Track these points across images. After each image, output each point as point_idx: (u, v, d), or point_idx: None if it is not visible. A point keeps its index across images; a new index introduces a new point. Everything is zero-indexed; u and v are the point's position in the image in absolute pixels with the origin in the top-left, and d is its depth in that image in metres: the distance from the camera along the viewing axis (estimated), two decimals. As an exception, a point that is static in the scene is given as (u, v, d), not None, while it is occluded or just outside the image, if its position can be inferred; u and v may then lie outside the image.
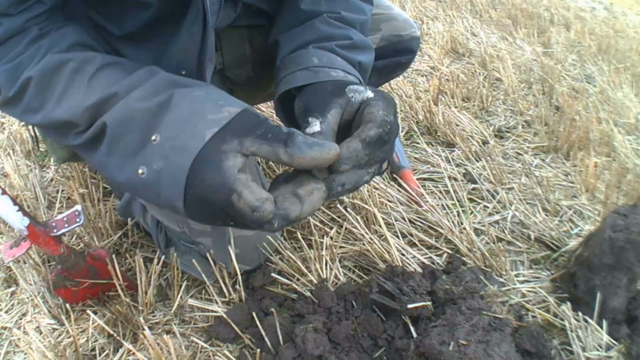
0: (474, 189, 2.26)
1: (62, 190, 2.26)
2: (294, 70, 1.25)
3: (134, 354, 1.51)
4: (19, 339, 1.59)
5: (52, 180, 2.37)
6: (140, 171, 0.95)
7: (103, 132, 1.03)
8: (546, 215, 2.08)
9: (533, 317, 1.62)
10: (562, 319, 1.57)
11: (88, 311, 1.61)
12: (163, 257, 1.68)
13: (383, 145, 1.01)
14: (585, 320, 1.53)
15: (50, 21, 1.14)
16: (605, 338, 1.49)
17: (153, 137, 0.95)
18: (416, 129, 2.73)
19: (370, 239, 1.81)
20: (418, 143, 2.60)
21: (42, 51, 1.09)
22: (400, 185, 2.22)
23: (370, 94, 1.08)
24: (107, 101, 1.03)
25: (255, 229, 0.90)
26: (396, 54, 1.90)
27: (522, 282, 1.75)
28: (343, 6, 1.46)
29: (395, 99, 3.03)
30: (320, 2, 1.44)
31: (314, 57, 1.27)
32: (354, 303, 1.58)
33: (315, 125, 1.03)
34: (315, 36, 1.36)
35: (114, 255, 1.59)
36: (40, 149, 2.55)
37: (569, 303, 1.59)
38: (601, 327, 1.51)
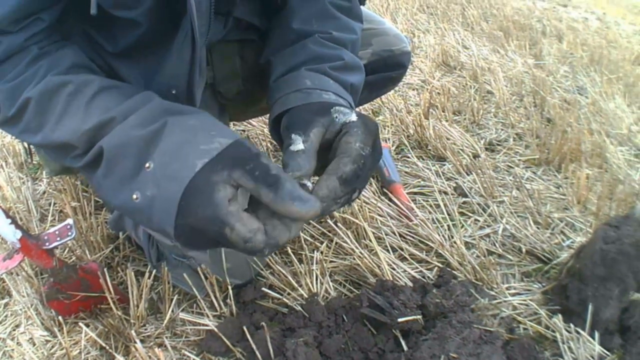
0: (464, 202, 2.27)
1: (55, 203, 2.25)
2: (288, 92, 1.27)
3: (125, 367, 1.51)
4: (12, 350, 1.59)
5: (44, 193, 2.36)
6: (134, 196, 0.97)
7: (100, 156, 1.04)
8: (537, 228, 2.09)
9: (524, 329, 1.62)
10: (553, 331, 1.58)
11: (80, 324, 1.60)
12: (154, 270, 1.68)
13: (357, 179, 1.05)
14: (577, 332, 1.53)
15: (49, 40, 1.17)
16: (598, 349, 1.49)
17: (147, 165, 0.97)
18: (407, 143, 2.74)
19: (361, 253, 1.81)
20: (409, 157, 2.60)
21: (42, 72, 1.11)
22: (390, 199, 2.23)
23: (353, 117, 1.12)
24: (104, 126, 1.05)
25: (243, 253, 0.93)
26: (387, 69, 1.91)
27: (514, 294, 1.75)
28: (334, 26, 1.47)
29: (385, 112, 3.05)
30: (312, 21, 1.45)
31: (307, 79, 1.29)
32: (345, 317, 1.58)
33: (299, 144, 1.06)
34: (307, 57, 1.37)
35: (105, 269, 1.59)
36: (33, 162, 2.55)
37: (560, 315, 1.59)
38: (593, 338, 1.51)
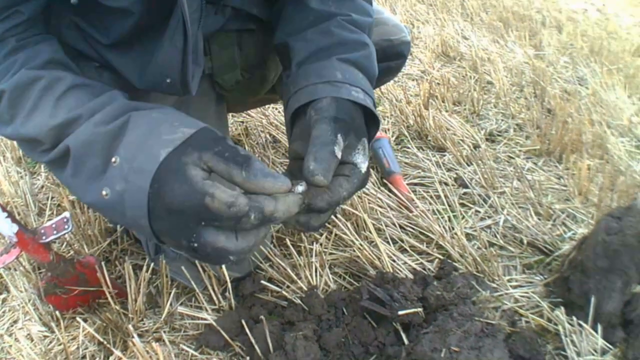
0: (465, 193, 2.26)
1: (52, 197, 2.24)
2: (317, 82, 1.24)
3: (123, 362, 1.50)
4: (10, 346, 1.58)
5: (42, 187, 2.36)
6: (104, 192, 0.97)
7: (67, 155, 1.04)
8: (539, 219, 2.07)
9: (526, 322, 1.61)
10: (555, 324, 1.57)
11: (78, 319, 1.60)
12: (152, 264, 1.67)
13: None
14: (580, 325, 1.52)
15: (29, 32, 1.17)
16: (601, 342, 1.48)
17: (113, 159, 0.97)
18: (407, 134, 2.72)
19: (361, 245, 1.80)
20: (408, 148, 2.59)
21: (17, 65, 1.11)
22: (390, 190, 2.22)
23: (363, 168, 1.16)
24: (70, 124, 1.04)
25: (231, 228, 0.91)
26: (386, 59, 1.89)
27: (515, 287, 1.74)
28: (351, 8, 1.44)
29: (385, 103, 3.04)
30: (329, 2, 1.42)
31: (338, 71, 1.26)
32: (345, 310, 1.57)
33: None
34: (332, 41, 1.35)
35: (103, 263, 1.57)
36: (30, 156, 2.54)
37: (562, 308, 1.58)
38: (596, 331, 1.50)
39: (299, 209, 0.99)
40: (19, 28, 1.14)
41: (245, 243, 0.93)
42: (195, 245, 0.91)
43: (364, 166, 1.14)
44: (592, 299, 1.53)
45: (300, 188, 1.01)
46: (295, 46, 1.38)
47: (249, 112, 2.75)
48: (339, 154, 1.07)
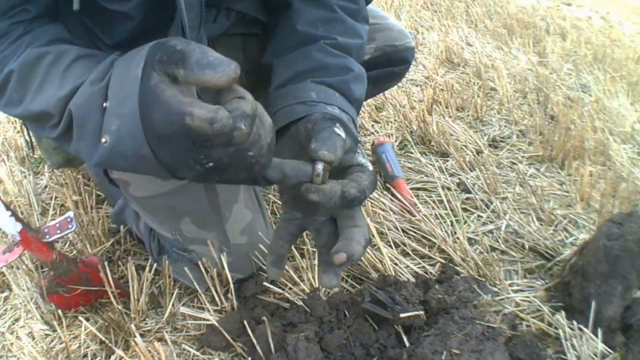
0: (467, 198, 2.26)
1: (56, 197, 2.25)
2: (292, 103, 1.24)
3: (125, 361, 1.50)
4: (11, 344, 1.58)
5: (45, 186, 2.36)
6: (103, 140, 0.93)
7: (71, 120, 1.02)
8: (540, 224, 2.08)
9: (527, 326, 1.61)
10: (556, 328, 1.57)
11: (80, 318, 1.60)
12: (155, 264, 1.68)
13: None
14: (580, 329, 1.52)
15: (35, 24, 1.16)
16: (601, 347, 1.48)
17: (104, 105, 0.94)
18: (410, 139, 2.73)
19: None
20: (412, 152, 2.59)
21: (24, 46, 1.11)
22: (393, 194, 2.22)
23: (368, 165, 1.14)
24: (75, 92, 1.03)
25: (225, 145, 0.84)
26: (390, 64, 1.90)
27: (516, 291, 1.74)
28: (340, 30, 1.44)
29: (389, 108, 3.04)
30: (317, 24, 1.42)
31: (312, 91, 1.26)
32: (346, 312, 1.57)
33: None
34: (311, 66, 1.34)
35: (106, 263, 1.58)
36: (35, 156, 2.55)
37: (563, 312, 1.58)
38: (596, 335, 1.50)
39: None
40: (26, 22, 1.14)
41: (255, 136, 0.87)
42: (211, 164, 0.86)
43: (370, 166, 1.14)
44: (593, 304, 1.53)
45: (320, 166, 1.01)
46: (277, 68, 1.40)
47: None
48: (342, 134, 1.06)
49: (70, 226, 1.47)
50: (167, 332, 1.60)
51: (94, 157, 0.99)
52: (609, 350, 1.50)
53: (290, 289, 1.70)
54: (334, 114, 1.19)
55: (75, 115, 1.00)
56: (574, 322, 1.54)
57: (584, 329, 1.52)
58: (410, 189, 2.28)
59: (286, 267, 1.71)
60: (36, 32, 1.14)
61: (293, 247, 1.77)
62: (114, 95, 0.92)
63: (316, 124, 1.12)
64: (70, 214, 1.48)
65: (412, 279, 1.72)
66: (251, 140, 0.86)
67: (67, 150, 1.14)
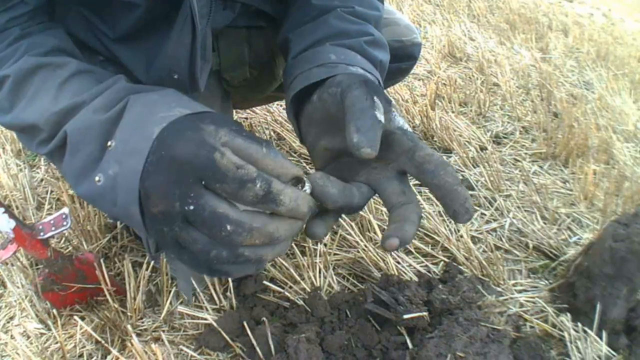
0: (471, 195, 2.23)
1: (52, 191, 2.23)
2: (310, 67, 1.17)
3: (121, 361, 1.48)
4: (5, 343, 1.56)
5: (42, 180, 2.34)
6: (97, 179, 0.90)
7: (65, 142, 0.99)
8: (544, 223, 2.06)
9: (531, 327, 1.60)
10: (560, 330, 1.55)
11: (75, 317, 1.58)
12: (153, 262, 1.65)
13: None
14: (585, 331, 1.51)
15: (33, 21, 1.13)
16: (605, 349, 1.47)
17: (109, 143, 0.90)
18: (413, 134, 2.69)
19: (365, 246, 1.78)
20: (415, 148, 2.56)
21: (21, 51, 1.07)
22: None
23: (407, 126, 1.04)
24: (72, 110, 0.99)
25: (233, 196, 0.80)
26: (397, 60, 1.87)
27: (520, 291, 1.73)
28: (357, 2, 1.39)
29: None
30: None
31: (332, 53, 1.19)
32: (348, 312, 1.55)
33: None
34: (330, 32, 1.29)
35: (102, 260, 1.55)
36: (32, 149, 2.53)
37: (567, 313, 1.57)
38: (600, 337, 1.49)
39: (308, 210, 0.87)
40: (23, 17, 1.11)
41: (246, 217, 0.81)
42: (192, 208, 0.79)
43: (408, 127, 1.03)
44: (598, 306, 1.52)
45: (307, 187, 0.91)
46: (293, 40, 1.33)
47: (253, 108, 2.74)
48: (381, 118, 0.95)
49: (65, 223, 1.44)
50: (164, 331, 1.57)
51: (80, 188, 0.96)
52: (612, 352, 1.49)
53: (290, 287, 1.67)
54: (359, 74, 1.12)
55: (70, 139, 0.97)
56: (579, 324, 1.53)
57: (589, 331, 1.51)
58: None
59: (286, 265, 1.69)
60: (35, 38, 1.11)
61: (294, 244, 1.75)
62: (121, 141, 0.89)
63: (346, 90, 1.01)
64: (66, 210, 1.46)
65: (415, 279, 1.70)
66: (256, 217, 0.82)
67: (59, 170, 1.12)
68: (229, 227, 0.79)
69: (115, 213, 0.91)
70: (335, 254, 1.83)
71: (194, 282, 1.60)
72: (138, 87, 1.02)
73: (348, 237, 1.84)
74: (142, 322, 1.61)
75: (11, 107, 1.08)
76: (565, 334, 1.52)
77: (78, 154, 0.95)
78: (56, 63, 1.07)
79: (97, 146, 0.92)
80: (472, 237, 1.96)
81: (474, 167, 2.42)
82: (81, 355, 1.53)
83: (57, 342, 1.54)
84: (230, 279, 1.59)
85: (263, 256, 0.85)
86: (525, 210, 2.13)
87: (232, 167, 0.77)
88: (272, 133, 2.64)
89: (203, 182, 0.78)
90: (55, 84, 1.03)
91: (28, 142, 1.12)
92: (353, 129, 0.92)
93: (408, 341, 1.47)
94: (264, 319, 1.45)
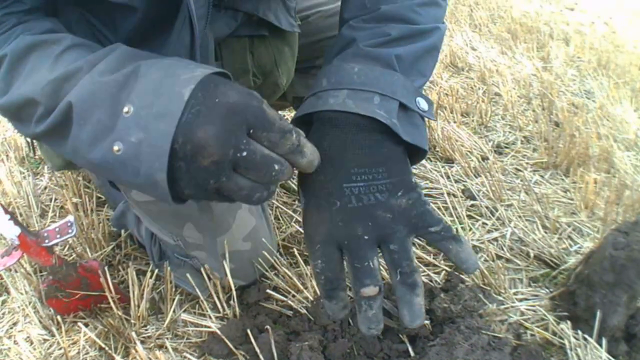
0: (472, 205, 2.24)
1: (56, 199, 2.24)
2: (309, 94, 1.14)
3: (125, 368, 1.49)
4: (9, 349, 1.57)
5: (45, 188, 2.35)
6: (115, 148, 0.86)
7: (70, 114, 0.93)
8: (545, 232, 2.06)
9: (532, 335, 1.60)
10: (561, 338, 1.56)
11: (79, 323, 1.58)
12: (156, 270, 1.66)
13: None
14: (585, 339, 1.52)
15: (30, 16, 1.11)
16: (605, 356, 1.48)
17: (125, 109, 0.86)
18: (415, 144, 2.70)
19: (368, 254, 1.77)
20: (417, 158, 2.57)
21: (16, 33, 1.06)
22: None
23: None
24: (70, 77, 0.95)
25: (273, 139, 0.86)
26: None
27: (521, 300, 1.73)
28: None
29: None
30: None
31: (325, 77, 1.12)
32: (351, 321, 1.55)
33: None
34: (338, 47, 1.21)
35: (106, 267, 1.57)
36: (35, 156, 2.53)
37: (568, 321, 1.57)
38: (600, 345, 1.50)
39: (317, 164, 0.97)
40: (20, 13, 1.09)
41: (281, 157, 0.88)
42: (244, 154, 0.82)
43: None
44: (598, 313, 1.52)
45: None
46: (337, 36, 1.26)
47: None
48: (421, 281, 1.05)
49: (70, 231, 1.45)
50: (167, 338, 1.58)
51: (94, 159, 0.92)
52: (612, 359, 1.49)
53: (293, 296, 1.68)
54: (329, 117, 1.07)
55: (77, 108, 0.92)
56: (579, 332, 1.54)
57: (589, 339, 1.51)
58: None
59: (289, 274, 1.70)
60: (30, 24, 1.09)
61: (297, 253, 1.76)
62: (143, 106, 0.86)
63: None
64: (71, 218, 1.47)
65: (417, 287, 1.70)
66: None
67: (58, 151, 1.10)
68: (276, 167, 0.87)
69: (134, 183, 0.89)
70: (337, 263, 1.83)
71: (197, 290, 1.61)
72: (146, 53, 1.01)
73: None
74: (146, 330, 1.62)
75: (8, 86, 1.05)
76: (566, 342, 1.53)
77: (88, 123, 0.91)
78: (52, 40, 1.04)
79: (109, 111, 0.89)
80: (474, 247, 1.97)
81: (476, 177, 2.43)
82: (85, 362, 1.54)
83: (60, 348, 1.55)
84: (233, 288, 1.60)
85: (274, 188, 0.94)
86: (527, 220, 2.14)
87: (277, 118, 0.86)
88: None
89: (251, 130, 0.84)
90: (51, 57, 1.01)
91: (24, 125, 1.07)
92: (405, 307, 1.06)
93: (410, 349, 1.48)
94: (267, 327, 1.46)
